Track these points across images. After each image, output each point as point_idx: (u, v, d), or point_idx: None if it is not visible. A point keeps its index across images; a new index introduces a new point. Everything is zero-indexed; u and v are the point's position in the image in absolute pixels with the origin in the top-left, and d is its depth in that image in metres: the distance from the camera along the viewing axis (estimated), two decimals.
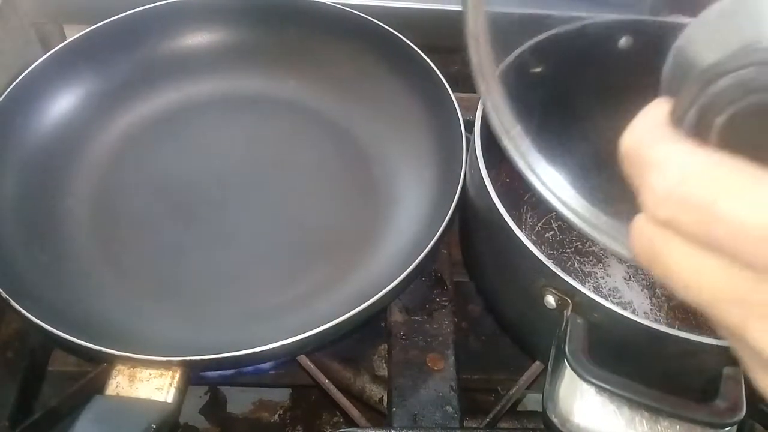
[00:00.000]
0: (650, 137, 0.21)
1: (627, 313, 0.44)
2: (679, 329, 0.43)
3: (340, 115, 0.71)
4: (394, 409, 0.54)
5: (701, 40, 0.22)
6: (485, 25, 0.43)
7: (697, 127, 0.21)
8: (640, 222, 0.21)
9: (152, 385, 0.50)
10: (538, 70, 0.58)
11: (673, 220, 0.20)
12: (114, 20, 0.69)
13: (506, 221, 0.49)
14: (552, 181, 0.44)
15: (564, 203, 0.44)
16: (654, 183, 0.20)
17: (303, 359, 0.58)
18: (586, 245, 0.64)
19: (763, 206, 0.18)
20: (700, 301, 0.20)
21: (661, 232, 0.20)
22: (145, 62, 0.71)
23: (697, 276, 0.20)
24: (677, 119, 0.21)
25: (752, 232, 0.18)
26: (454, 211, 0.56)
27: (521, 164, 0.45)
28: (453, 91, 0.64)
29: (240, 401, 0.76)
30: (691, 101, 0.21)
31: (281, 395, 0.75)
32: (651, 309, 0.59)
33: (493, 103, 0.44)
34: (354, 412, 0.56)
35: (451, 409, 0.54)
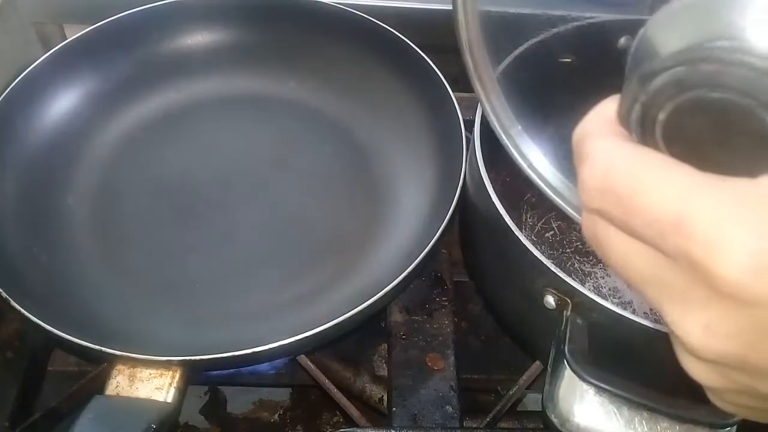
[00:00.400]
0: (590, 133, 0.23)
1: (627, 314, 0.44)
2: None
3: (340, 115, 0.71)
4: (394, 409, 0.54)
5: (648, 43, 0.24)
6: (477, 30, 0.43)
7: (643, 123, 0.22)
8: (584, 209, 0.23)
9: (152, 384, 0.50)
10: (536, 70, 0.58)
11: (601, 209, 0.22)
12: (114, 20, 0.69)
13: (506, 221, 0.49)
14: (553, 180, 0.44)
15: (566, 200, 0.44)
16: (584, 176, 0.22)
17: (303, 359, 0.58)
18: (586, 245, 0.64)
19: (672, 199, 0.20)
20: (629, 282, 0.22)
21: (598, 218, 0.22)
22: (145, 62, 0.71)
23: (625, 259, 0.22)
24: (624, 116, 0.23)
25: (662, 222, 0.20)
26: (454, 211, 0.56)
27: (522, 163, 0.45)
28: (453, 91, 0.64)
29: (240, 401, 0.76)
30: (633, 99, 0.22)
31: (281, 395, 0.75)
32: (651, 309, 0.59)
33: (491, 104, 0.44)
34: (354, 412, 0.56)
35: (451, 409, 0.54)
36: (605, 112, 0.23)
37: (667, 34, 0.23)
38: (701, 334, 0.20)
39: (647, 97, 0.22)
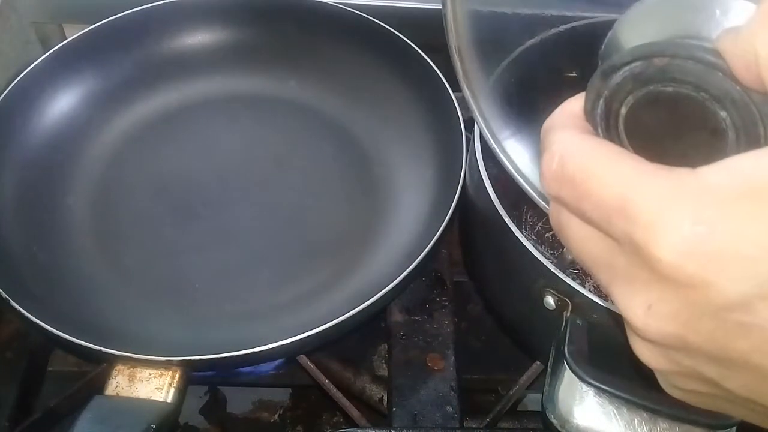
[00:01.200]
0: (553, 126, 0.24)
1: None
2: None
3: (341, 115, 0.71)
4: (394, 409, 0.54)
5: (616, 41, 0.25)
6: (467, 31, 0.43)
7: (606, 117, 0.23)
8: (550, 198, 0.24)
9: (152, 385, 0.50)
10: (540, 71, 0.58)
11: (558, 196, 0.23)
12: (114, 20, 0.69)
13: (505, 222, 0.49)
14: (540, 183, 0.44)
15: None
16: (543, 165, 0.24)
17: (303, 359, 0.58)
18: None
19: (618, 185, 0.21)
20: (584, 265, 0.24)
21: (560, 206, 0.24)
22: (145, 62, 0.71)
23: (581, 244, 0.23)
24: (589, 111, 0.24)
25: (608, 206, 0.21)
26: (454, 211, 0.56)
27: (509, 167, 0.45)
28: (453, 91, 0.64)
29: (240, 401, 0.75)
30: (597, 94, 0.23)
31: (281, 395, 0.75)
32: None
33: (479, 109, 0.44)
34: (354, 412, 0.56)
35: (451, 409, 0.54)
36: (571, 107, 0.25)
37: (632, 33, 0.24)
38: (644, 314, 0.21)
39: (609, 92, 0.23)
